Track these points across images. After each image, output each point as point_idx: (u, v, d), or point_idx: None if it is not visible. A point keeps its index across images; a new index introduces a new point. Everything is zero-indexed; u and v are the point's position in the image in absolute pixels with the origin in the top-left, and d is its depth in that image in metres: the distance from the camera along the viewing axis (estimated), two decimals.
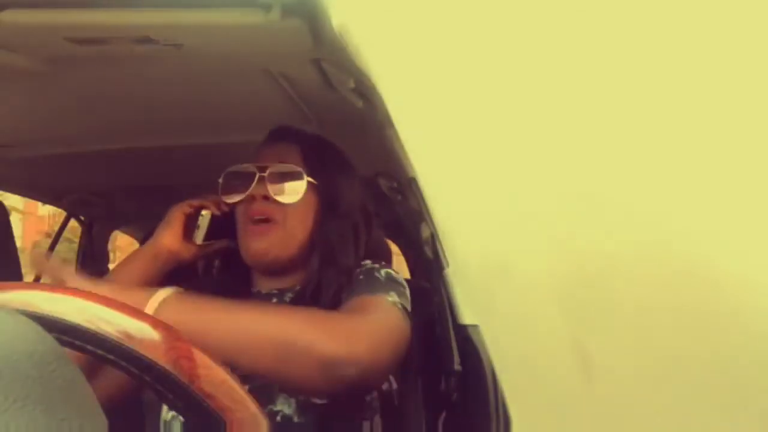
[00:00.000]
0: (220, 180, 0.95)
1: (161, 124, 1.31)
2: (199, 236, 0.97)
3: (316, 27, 0.76)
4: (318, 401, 0.84)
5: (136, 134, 1.38)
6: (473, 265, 0.55)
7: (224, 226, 0.97)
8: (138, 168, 1.67)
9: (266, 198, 0.92)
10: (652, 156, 0.50)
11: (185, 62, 0.92)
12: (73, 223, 2.29)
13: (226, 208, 0.96)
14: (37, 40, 0.82)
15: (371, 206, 1.02)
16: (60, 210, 2.25)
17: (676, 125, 0.51)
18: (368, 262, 0.97)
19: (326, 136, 1.04)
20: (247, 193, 0.93)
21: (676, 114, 0.51)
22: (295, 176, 0.93)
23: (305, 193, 0.93)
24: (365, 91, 0.91)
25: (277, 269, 0.95)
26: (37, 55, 0.88)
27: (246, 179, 0.94)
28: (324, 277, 0.92)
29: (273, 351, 0.67)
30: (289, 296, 0.95)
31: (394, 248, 2.47)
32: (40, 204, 2.63)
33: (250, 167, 0.94)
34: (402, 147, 0.72)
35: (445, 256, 0.92)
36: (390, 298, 0.84)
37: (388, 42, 0.57)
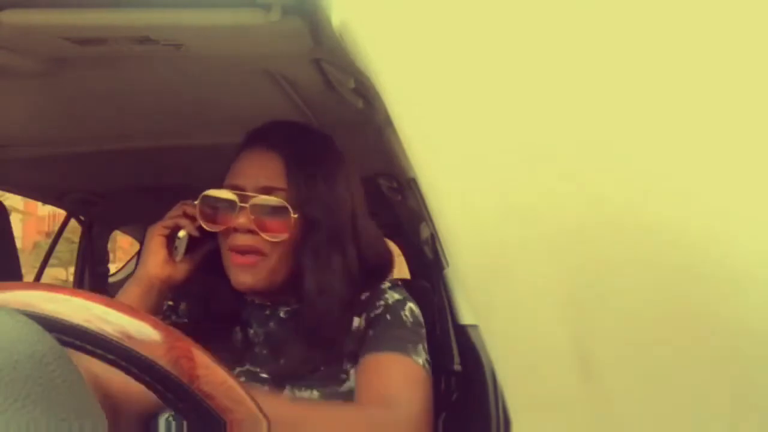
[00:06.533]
0: (197, 203, 0.89)
1: (161, 124, 1.31)
2: (179, 254, 0.91)
3: (316, 27, 0.76)
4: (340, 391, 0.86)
5: (136, 134, 1.38)
6: (473, 265, 0.55)
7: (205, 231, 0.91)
8: (138, 168, 1.67)
9: (250, 231, 0.86)
10: (653, 156, 0.50)
11: (185, 62, 0.92)
12: (73, 223, 2.30)
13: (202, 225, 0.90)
14: (37, 40, 0.82)
15: (364, 204, 0.95)
16: (60, 210, 2.26)
17: (678, 125, 0.51)
18: (388, 288, 0.93)
19: None
20: (228, 225, 0.87)
21: (678, 113, 0.51)
22: (281, 212, 0.86)
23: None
24: (365, 91, 0.91)
25: (268, 294, 0.92)
26: (37, 55, 0.88)
27: (226, 208, 0.87)
28: (319, 301, 0.87)
29: None
30: (284, 310, 0.93)
31: (395, 248, 2.47)
32: (40, 204, 2.63)
33: (229, 195, 0.87)
34: (402, 147, 0.72)
35: (445, 256, 0.93)
36: (420, 360, 0.85)
37: (388, 42, 0.57)
